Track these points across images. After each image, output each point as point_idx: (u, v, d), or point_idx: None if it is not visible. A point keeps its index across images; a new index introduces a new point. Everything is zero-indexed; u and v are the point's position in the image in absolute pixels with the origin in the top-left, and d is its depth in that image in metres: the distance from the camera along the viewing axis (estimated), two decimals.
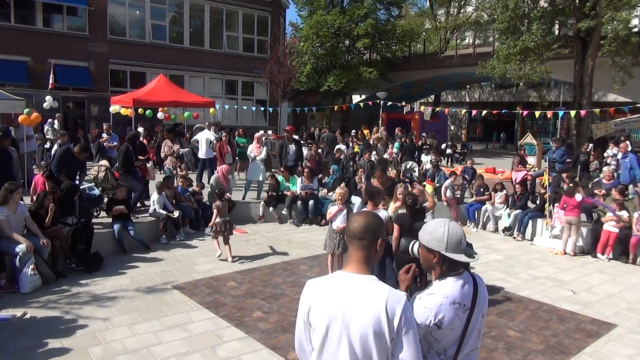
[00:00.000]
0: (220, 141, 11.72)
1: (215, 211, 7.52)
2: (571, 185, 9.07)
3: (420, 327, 2.09)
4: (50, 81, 15.96)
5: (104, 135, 13.23)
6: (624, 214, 8.18)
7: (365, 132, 23.01)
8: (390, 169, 11.81)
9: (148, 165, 10.11)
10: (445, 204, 10.64)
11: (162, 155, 10.52)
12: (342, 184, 8.13)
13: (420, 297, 2.17)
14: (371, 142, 15.47)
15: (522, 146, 16.08)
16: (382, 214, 5.54)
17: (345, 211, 6.39)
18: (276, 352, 4.57)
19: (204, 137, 11.88)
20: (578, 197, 8.54)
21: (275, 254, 7.98)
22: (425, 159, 13.85)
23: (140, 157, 9.45)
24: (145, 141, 13.95)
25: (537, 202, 9.97)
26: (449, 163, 21.17)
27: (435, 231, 2.19)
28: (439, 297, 2.13)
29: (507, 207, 10.13)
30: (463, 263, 2.19)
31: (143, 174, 9.59)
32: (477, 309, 2.19)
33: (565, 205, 8.59)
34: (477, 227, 10.37)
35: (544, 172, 10.79)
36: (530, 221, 9.64)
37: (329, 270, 6.30)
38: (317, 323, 1.97)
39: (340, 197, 6.52)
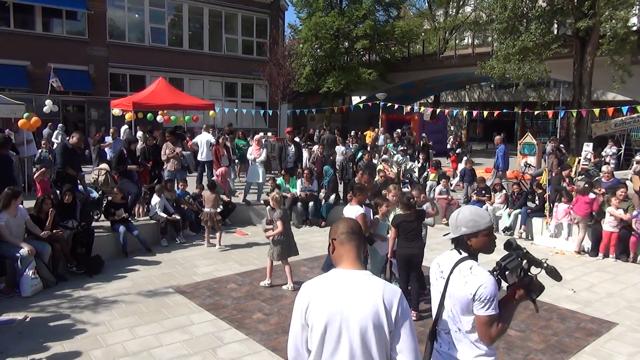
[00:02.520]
0: (217, 144, 11.75)
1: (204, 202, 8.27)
2: (586, 185, 9.14)
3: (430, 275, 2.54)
4: (58, 83, 15.90)
5: (107, 139, 13.22)
6: (619, 212, 8.19)
7: (369, 133, 22.95)
8: (390, 170, 11.83)
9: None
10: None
11: (164, 157, 10.52)
12: (276, 190, 8.17)
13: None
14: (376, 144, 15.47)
15: (559, 148, 15.70)
16: (357, 209, 5.56)
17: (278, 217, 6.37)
18: (277, 354, 4.58)
19: (205, 140, 11.90)
20: (592, 195, 8.73)
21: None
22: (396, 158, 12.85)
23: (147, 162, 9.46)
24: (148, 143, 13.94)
25: (537, 201, 9.99)
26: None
27: None
28: (439, 257, 2.55)
29: (507, 207, 10.15)
30: (455, 242, 2.46)
31: (143, 178, 9.55)
32: (449, 286, 2.35)
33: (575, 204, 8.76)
34: None
35: (543, 172, 10.80)
36: (527, 220, 9.69)
37: (267, 274, 6.51)
38: (316, 321, 1.97)
39: (274, 203, 6.56)
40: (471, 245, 2.40)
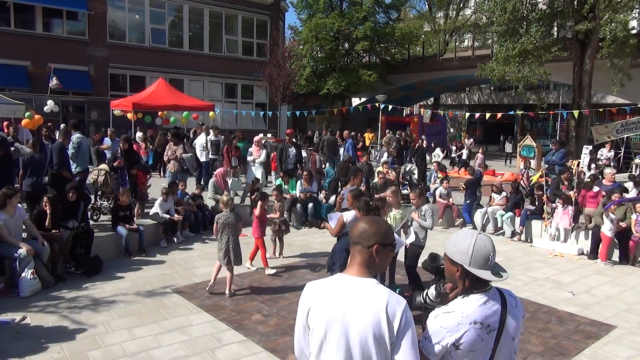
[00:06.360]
0: (228, 144, 11.93)
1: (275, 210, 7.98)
2: (588, 179, 9.29)
3: (435, 346, 1.96)
4: (56, 81, 15.88)
5: (106, 139, 13.19)
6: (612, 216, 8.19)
7: (370, 135, 22.98)
8: (389, 172, 11.84)
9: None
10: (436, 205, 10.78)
11: (165, 159, 10.54)
12: (225, 193, 8.21)
13: (437, 316, 1.99)
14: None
15: None
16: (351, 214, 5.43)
17: None
18: (275, 355, 4.57)
19: (198, 142, 12.25)
20: (596, 188, 8.97)
21: (274, 256, 7.98)
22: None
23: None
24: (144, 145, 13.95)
25: (536, 203, 9.99)
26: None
27: (461, 242, 2.02)
28: (457, 316, 1.95)
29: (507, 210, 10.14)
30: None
31: (141, 181, 9.48)
32: (505, 332, 1.99)
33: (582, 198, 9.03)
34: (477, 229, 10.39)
35: (540, 173, 10.82)
36: (526, 222, 9.69)
37: (212, 276, 6.21)
38: (316, 325, 1.95)
39: (221, 205, 6.40)
40: None
